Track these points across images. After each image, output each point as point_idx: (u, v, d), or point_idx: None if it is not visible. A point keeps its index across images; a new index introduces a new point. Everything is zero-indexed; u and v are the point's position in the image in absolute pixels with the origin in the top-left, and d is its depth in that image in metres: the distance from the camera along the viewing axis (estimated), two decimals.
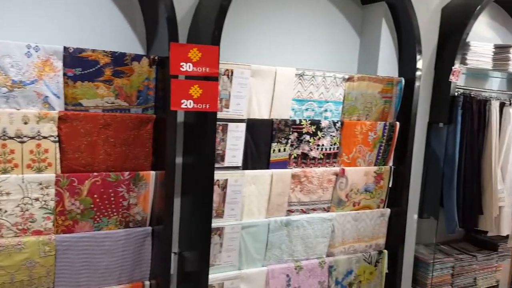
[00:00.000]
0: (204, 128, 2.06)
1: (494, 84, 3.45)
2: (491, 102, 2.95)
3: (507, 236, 3.18)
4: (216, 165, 2.17)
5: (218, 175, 2.17)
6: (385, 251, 2.78)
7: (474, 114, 2.89)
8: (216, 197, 2.19)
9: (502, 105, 3.04)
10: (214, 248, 2.22)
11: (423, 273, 2.99)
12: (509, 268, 3.37)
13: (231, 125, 2.18)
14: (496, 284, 3.27)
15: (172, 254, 2.30)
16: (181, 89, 1.94)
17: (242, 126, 2.22)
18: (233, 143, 2.21)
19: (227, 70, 2.13)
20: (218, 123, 2.14)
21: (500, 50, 2.92)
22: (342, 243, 2.62)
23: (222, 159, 2.19)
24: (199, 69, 1.96)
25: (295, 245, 2.46)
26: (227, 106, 2.17)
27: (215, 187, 2.17)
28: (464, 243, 3.42)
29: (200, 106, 1.97)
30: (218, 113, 2.13)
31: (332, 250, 2.59)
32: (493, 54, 2.88)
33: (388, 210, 2.76)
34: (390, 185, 2.75)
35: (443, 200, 2.92)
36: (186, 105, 1.95)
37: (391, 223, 2.78)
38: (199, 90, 1.96)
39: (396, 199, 2.75)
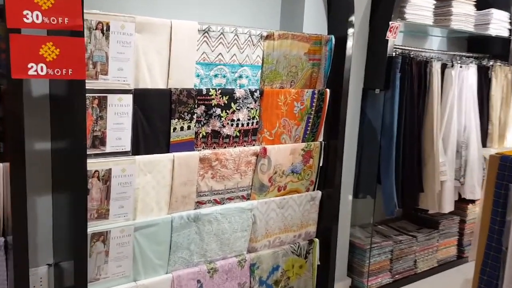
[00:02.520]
0: (70, 102, 1.51)
1: (435, 44, 3.13)
2: (432, 64, 2.61)
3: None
4: (94, 151, 1.64)
5: (97, 164, 1.65)
6: (316, 240, 2.41)
7: (414, 77, 2.53)
8: (95, 193, 1.66)
9: (443, 67, 2.71)
10: (98, 258, 1.71)
11: (359, 261, 2.67)
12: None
13: (111, 98, 1.64)
14: (437, 265, 3.03)
15: (46, 267, 1.79)
16: (26, 48, 1.38)
17: (128, 99, 1.68)
18: (117, 122, 1.68)
19: (100, 23, 1.58)
20: (92, 95, 1.60)
21: (441, 3, 2.56)
22: (266, 236, 2.21)
23: (102, 143, 1.66)
24: (53, 20, 1.40)
25: (208, 243, 2.00)
26: (104, 72, 1.62)
27: (93, 180, 1.65)
28: (403, 222, 3.15)
29: (57, 72, 1.42)
30: (91, 81, 1.59)
31: (254, 245, 2.17)
32: (434, 7, 2.52)
33: (319, 192, 2.38)
34: (320, 164, 2.35)
35: (380, 177, 2.58)
36: (35, 71, 1.39)
37: (322, 208, 2.40)
38: (54, 49, 1.41)
39: (328, 179, 2.37)
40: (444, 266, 3.10)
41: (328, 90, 2.26)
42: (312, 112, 2.24)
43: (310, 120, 2.25)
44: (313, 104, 2.23)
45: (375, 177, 2.58)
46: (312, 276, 2.42)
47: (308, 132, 2.27)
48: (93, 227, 1.68)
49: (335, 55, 2.24)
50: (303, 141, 2.26)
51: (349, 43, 2.22)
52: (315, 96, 2.22)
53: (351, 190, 2.61)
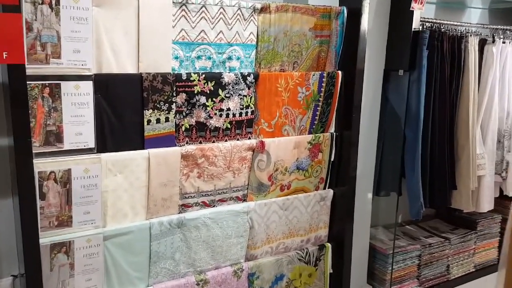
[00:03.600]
0: (11, 92, 1.27)
1: (474, 17, 2.70)
2: (468, 39, 2.20)
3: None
4: (48, 149, 1.40)
5: (52, 164, 1.40)
6: (328, 245, 2.09)
7: (445, 55, 2.13)
8: (53, 198, 1.42)
9: (482, 43, 2.29)
10: (61, 272, 1.48)
11: (380, 267, 2.34)
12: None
13: (66, 86, 1.39)
14: (474, 270, 2.65)
15: (11, 278, 1.59)
16: None
17: (87, 86, 1.42)
18: (75, 114, 1.42)
19: None
20: (41, 82, 1.34)
21: None
22: (268, 242, 1.92)
23: (59, 139, 1.41)
24: None
25: (196, 252, 1.74)
26: (57, 55, 1.36)
27: (49, 183, 1.41)
28: (435, 221, 2.77)
29: None
30: (40, 66, 1.34)
31: (253, 252, 1.88)
32: None
33: (331, 191, 2.05)
34: (332, 159, 2.02)
35: (405, 172, 2.22)
36: None
37: (335, 208, 2.08)
38: None
39: (341, 176, 2.04)
40: (482, 271, 2.71)
41: (340, 72, 1.92)
42: (321, 99, 1.91)
43: (318, 108, 1.92)
44: (322, 89, 1.90)
45: (399, 172, 2.23)
46: (324, 286, 2.12)
47: (316, 122, 1.94)
48: (52, 236, 1.44)
49: (348, 31, 1.89)
50: (310, 133, 1.94)
51: (365, 15, 1.86)
52: (323, 79, 1.89)
53: (371, 188, 2.27)
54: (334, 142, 2.00)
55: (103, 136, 1.49)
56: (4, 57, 1.19)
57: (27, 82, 1.31)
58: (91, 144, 1.47)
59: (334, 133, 2.00)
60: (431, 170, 2.19)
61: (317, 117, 1.93)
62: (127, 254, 1.59)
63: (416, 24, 2.02)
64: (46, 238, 1.43)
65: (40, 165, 1.38)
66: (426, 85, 2.07)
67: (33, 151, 1.37)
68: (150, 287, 1.66)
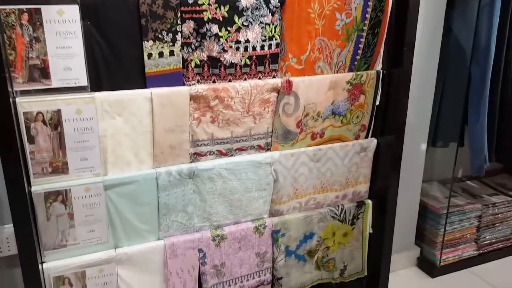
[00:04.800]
0: None
1: None
2: None
3: None
4: (34, 86, 1.23)
5: (38, 104, 1.23)
6: (369, 202, 1.83)
7: None
8: (43, 142, 1.27)
9: None
10: (60, 222, 1.35)
11: (431, 228, 2.04)
12: None
13: (48, 11, 1.18)
14: None
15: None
16: None
17: (73, 12, 1.20)
18: (61, 45, 1.22)
19: None
20: (18, 7, 1.15)
21: None
22: (295, 196, 1.69)
23: (45, 75, 1.23)
24: None
25: (212, 205, 1.55)
26: None
27: (37, 125, 1.25)
28: (502, 177, 2.38)
29: None
30: None
31: (278, 208, 1.67)
32: None
33: (374, 140, 1.76)
34: (377, 102, 1.71)
35: (468, 119, 1.85)
36: None
37: (379, 161, 1.79)
38: None
39: (387, 123, 1.73)
40: None
41: None
42: (365, 28, 1.57)
43: (361, 40, 1.58)
44: (366, 15, 1.55)
45: (461, 118, 1.87)
46: (361, 247, 1.88)
47: (358, 57, 1.61)
48: (46, 184, 1.31)
49: None
50: (350, 71, 1.63)
51: None
52: (369, 3, 1.54)
53: (426, 137, 1.93)
54: (380, 82, 1.67)
55: (96, 72, 1.29)
56: None
57: (1, 7, 1.12)
58: (83, 81, 1.27)
59: (381, 71, 1.66)
60: (500, 117, 1.80)
61: (359, 51, 1.61)
62: (133, 205, 1.43)
63: None
64: (39, 186, 1.30)
65: (25, 104, 1.22)
66: (501, 12, 1.63)
67: (17, 89, 1.21)
68: (160, 240, 1.51)
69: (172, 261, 1.52)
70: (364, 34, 1.58)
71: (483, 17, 1.66)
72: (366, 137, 1.76)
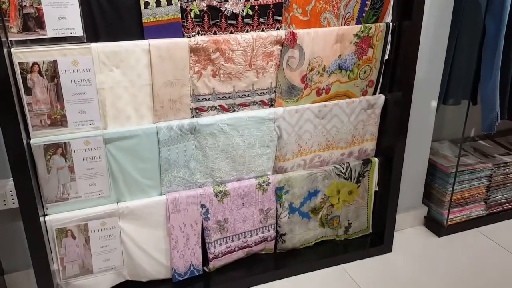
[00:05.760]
0: None
1: None
2: None
3: None
4: (29, 36, 1.20)
5: (33, 54, 1.21)
6: (375, 160, 1.80)
7: None
8: (40, 93, 1.25)
9: None
10: (60, 175, 1.36)
11: (439, 187, 2.00)
12: None
13: None
14: None
15: None
16: None
17: None
18: None
19: None
20: None
21: None
22: (299, 154, 1.66)
23: (39, 25, 1.20)
24: None
25: (214, 161, 1.54)
26: None
27: (33, 76, 1.23)
28: None
29: None
30: None
31: (282, 165, 1.65)
32: None
33: (382, 97, 1.70)
34: (386, 56, 1.64)
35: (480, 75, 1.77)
36: None
37: (386, 118, 1.74)
38: None
39: (396, 78, 1.66)
40: None
41: None
42: None
43: None
44: None
45: (473, 74, 1.79)
46: (367, 205, 1.86)
47: (366, 8, 1.54)
48: (45, 136, 1.30)
49: None
50: (358, 23, 1.55)
51: None
52: None
53: (436, 94, 1.87)
54: (389, 35, 1.60)
55: (92, 22, 1.25)
56: None
57: None
58: (79, 31, 1.24)
59: (391, 24, 1.59)
60: None
61: (368, 2, 1.53)
62: (134, 160, 1.43)
63: None
64: (38, 138, 1.29)
65: (20, 54, 1.19)
66: None
67: (11, 38, 1.18)
68: (162, 195, 1.51)
69: (174, 215, 1.52)
70: None
71: None
72: (374, 93, 1.70)
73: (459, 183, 1.97)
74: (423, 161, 1.99)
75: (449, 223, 1.98)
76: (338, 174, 1.75)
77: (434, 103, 1.88)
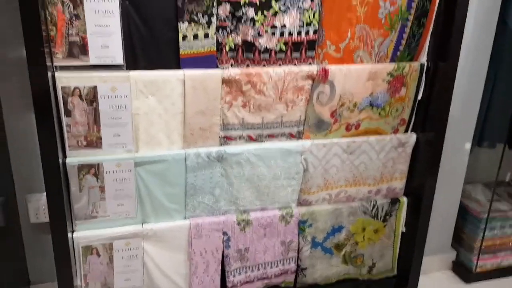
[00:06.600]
0: None
1: None
2: None
3: None
4: (73, 62, 1.27)
5: (76, 80, 1.28)
6: (404, 200, 1.76)
7: None
8: (79, 116, 1.32)
9: None
10: (91, 194, 1.41)
11: (470, 231, 1.94)
12: None
13: None
14: None
15: None
16: None
17: None
18: (100, 23, 1.25)
19: None
20: None
21: None
22: (325, 188, 1.66)
23: (83, 52, 1.27)
24: None
25: (239, 190, 1.56)
26: None
27: (74, 99, 1.29)
28: None
29: None
30: None
31: (307, 198, 1.65)
32: None
33: (414, 136, 1.68)
34: (420, 96, 1.63)
35: None
36: None
37: (418, 157, 1.71)
38: None
39: (429, 118, 1.64)
40: None
41: None
42: (410, 17, 1.49)
43: (405, 30, 1.51)
44: (412, 4, 1.47)
45: (510, 117, 1.75)
46: (393, 245, 1.82)
47: (401, 47, 1.54)
48: (80, 156, 1.36)
49: None
50: (392, 61, 1.56)
51: None
52: None
53: (471, 136, 1.83)
54: (424, 75, 1.59)
55: (132, 52, 1.31)
56: None
57: None
58: (119, 59, 1.30)
59: (426, 64, 1.58)
60: None
61: (403, 41, 1.53)
62: (162, 183, 1.47)
63: None
64: (74, 158, 1.36)
65: (64, 79, 1.27)
66: None
67: (56, 64, 1.26)
68: (186, 219, 1.54)
69: (196, 241, 1.54)
70: (409, 23, 1.50)
71: None
72: (406, 131, 1.69)
73: (491, 230, 1.90)
74: (454, 203, 1.94)
75: (478, 270, 1.91)
76: (364, 212, 1.72)
77: (467, 145, 1.84)
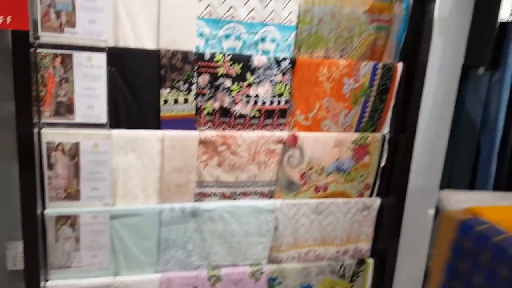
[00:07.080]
0: (14, 59, 1.25)
1: None
2: None
3: None
4: (59, 120, 1.38)
5: (60, 136, 1.38)
6: (370, 261, 1.84)
7: None
8: (61, 170, 1.41)
9: None
10: (67, 244, 1.47)
11: None
12: None
13: (78, 56, 1.34)
14: None
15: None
16: None
17: (100, 58, 1.36)
18: (87, 86, 1.38)
19: None
20: (53, 51, 1.32)
21: None
22: (295, 246, 1.73)
23: (70, 111, 1.38)
24: None
25: (212, 245, 1.62)
26: (71, 24, 1.32)
27: (57, 154, 1.39)
28: None
29: None
30: (54, 35, 1.31)
31: (277, 255, 1.72)
32: None
33: (378, 200, 1.79)
34: (382, 163, 1.75)
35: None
36: None
37: (382, 221, 1.81)
38: None
39: (392, 184, 1.76)
40: None
41: (399, 64, 1.64)
42: (372, 94, 1.65)
43: (368, 104, 1.66)
44: (374, 82, 1.64)
45: (468, 187, 1.88)
46: None
47: (364, 119, 1.68)
48: (58, 208, 1.43)
49: (415, 16, 1.59)
50: (357, 131, 1.70)
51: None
52: (377, 71, 1.62)
53: (433, 202, 1.94)
54: (386, 145, 1.73)
55: (116, 112, 1.43)
56: (8, 22, 1.17)
57: (39, 50, 1.30)
58: (103, 119, 1.42)
59: (388, 134, 1.72)
60: (508, 189, 1.80)
61: (366, 114, 1.68)
62: (135, 237, 1.53)
63: (504, 14, 1.64)
64: (53, 209, 1.43)
65: (49, 135, 1.37)
66: (511, 88, 1.68)
67: (44, 121, 1.36)
68: (158, 273, 1.59)
69: None
70: (372, 99, 1.66)
71: (493, 92, 1.71)
72: (370, 196, 1.79)
73: None
74: (419, 267, 2.01)
75: None
76: (332, 271, 1.79)
77: (431, 211, 1.94)
